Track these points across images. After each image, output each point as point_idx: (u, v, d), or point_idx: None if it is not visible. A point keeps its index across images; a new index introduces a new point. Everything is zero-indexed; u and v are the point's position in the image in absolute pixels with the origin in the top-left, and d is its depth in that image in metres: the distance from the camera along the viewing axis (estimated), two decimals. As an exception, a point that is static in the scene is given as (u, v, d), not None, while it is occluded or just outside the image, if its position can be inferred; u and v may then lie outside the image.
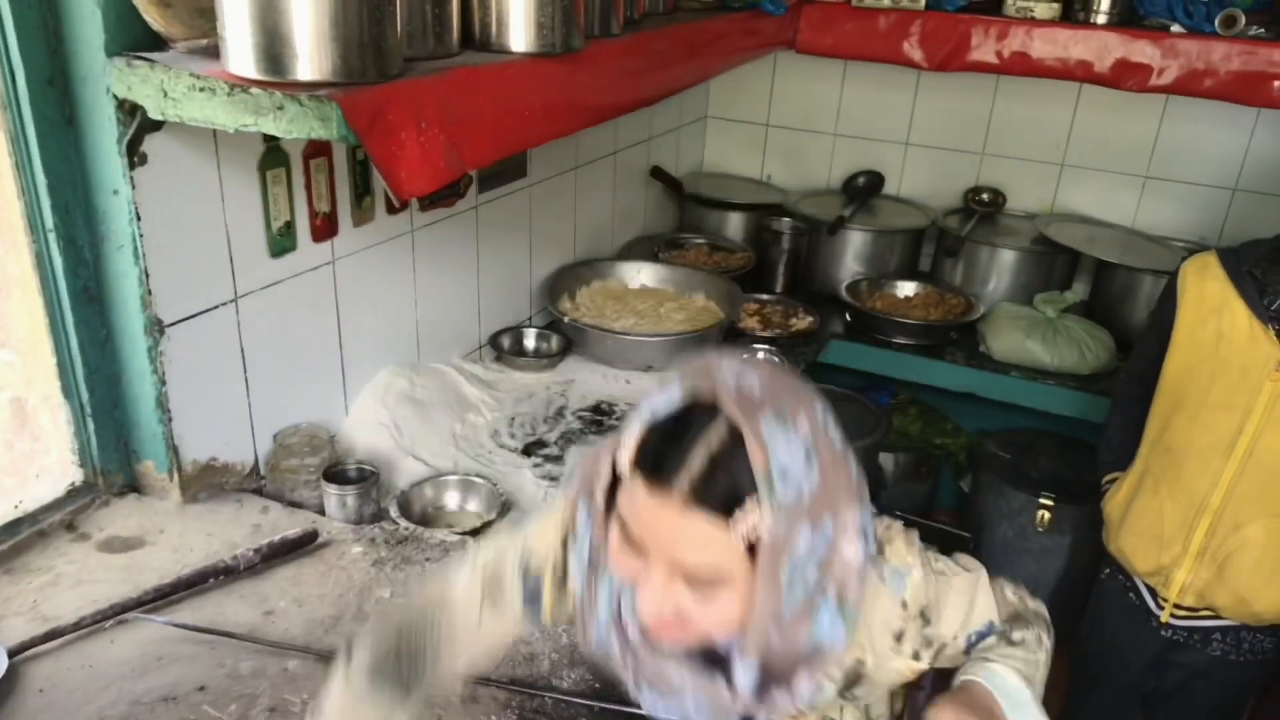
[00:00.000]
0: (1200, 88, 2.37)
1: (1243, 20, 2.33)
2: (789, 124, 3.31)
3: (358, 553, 1.52)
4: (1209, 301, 1.76)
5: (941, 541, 1.20)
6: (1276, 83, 2.31)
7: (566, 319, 2.36)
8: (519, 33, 1.47)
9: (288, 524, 1.57)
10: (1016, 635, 1.04)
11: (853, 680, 1.01)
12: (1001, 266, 2.83)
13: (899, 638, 1.00)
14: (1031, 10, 2.52)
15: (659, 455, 0.81)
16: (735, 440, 0.79)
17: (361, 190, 1.83)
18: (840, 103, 3.18)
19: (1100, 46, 2.43)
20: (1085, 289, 2.93)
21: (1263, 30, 2.37)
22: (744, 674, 0.90)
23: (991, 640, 1.04)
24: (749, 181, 3.40)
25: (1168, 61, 2.39)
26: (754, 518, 0.79)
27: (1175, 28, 2.40)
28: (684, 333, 2.33)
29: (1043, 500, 2.64)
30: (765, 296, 2.82)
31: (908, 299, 2.89)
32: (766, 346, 2.48)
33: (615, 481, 0.86)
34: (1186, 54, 2.37)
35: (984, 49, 2.55)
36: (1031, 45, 2.50)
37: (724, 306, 2.55)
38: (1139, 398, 1.92)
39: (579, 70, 1.60)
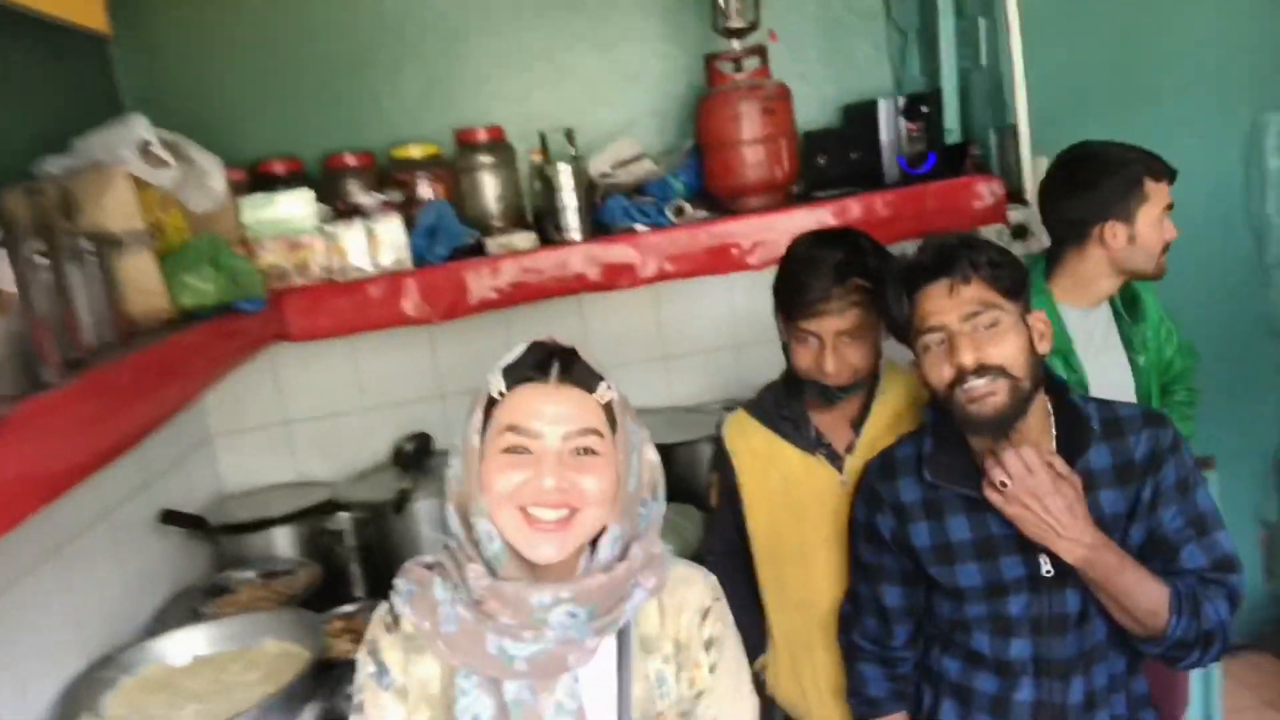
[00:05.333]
0: (681, 270, 2.58)
1: (689, 207, 2.61)
2: (311, 415, 3.01)
3: None
4: (760, 455, 1.82)
5: None
6: (734, 250, 2.59)
7: (98, 750, 1.75)
8: (-113, 422, 1.04)
9: None
10: None
11: (678, 659, 1.28)
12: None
13: (705, 615, 1.31)
14: (512, 244, 2.58)
15: (537, 363, 1.22)
16: (574, 353, 1.25)
17: None
18: (359, 376, 2.98)
19: (585, 258, 2.55)
20: (657, 477, 2.97)
21: (705, 211, 2.67)
22: (609, 545, 1.22)
23: None
24: (286, 487, 3.00)
25: (646, 256, 2.57)
26: (604, 389, 1.23)
27: (639, 228, 2.60)
28: (266, 700, 1.84)
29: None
30: (349, 608, 2.40)
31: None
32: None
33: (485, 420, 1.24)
34: (658, 246, 2.57)
35: (483, 288, 2.54)
36: (525, 275, 2.55)
37: (304, 641, 2.10)
38: (737, 572, 1.85)
39: (6, 441, 1.20)
